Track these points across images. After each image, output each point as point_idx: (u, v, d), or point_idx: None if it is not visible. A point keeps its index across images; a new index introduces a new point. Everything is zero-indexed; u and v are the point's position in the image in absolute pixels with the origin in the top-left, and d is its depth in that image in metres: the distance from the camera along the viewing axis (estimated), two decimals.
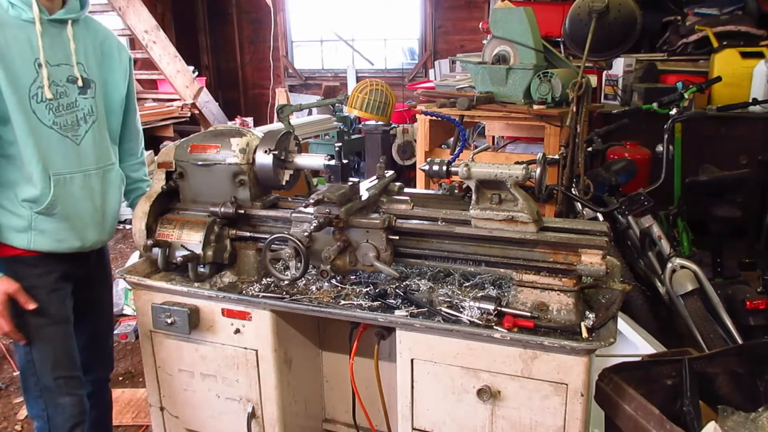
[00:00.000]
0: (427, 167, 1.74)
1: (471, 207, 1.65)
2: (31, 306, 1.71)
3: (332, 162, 1.81)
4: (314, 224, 1.65)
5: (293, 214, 1.77)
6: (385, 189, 1.91)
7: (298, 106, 2.68)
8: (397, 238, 1.74)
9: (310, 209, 1.72)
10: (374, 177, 1.94)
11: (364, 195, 1.79)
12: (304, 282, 1.87)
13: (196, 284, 1.86)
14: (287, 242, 1.67)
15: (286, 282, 1.79)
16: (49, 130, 1.71)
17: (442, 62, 7.07)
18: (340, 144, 1.86)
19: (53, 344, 1.80)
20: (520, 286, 1.62)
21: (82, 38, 1.80)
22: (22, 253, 1.75)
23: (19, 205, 1.72)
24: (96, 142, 1.83)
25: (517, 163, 1.67)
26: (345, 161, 1.81)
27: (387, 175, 1.96)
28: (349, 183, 1.79)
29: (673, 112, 3.16)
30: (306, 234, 1.66)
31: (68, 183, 1.76)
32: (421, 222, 1.74)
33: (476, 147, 2.01)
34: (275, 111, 2.86)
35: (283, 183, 1.92)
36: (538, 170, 1.59)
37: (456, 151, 2.10)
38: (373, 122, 6.02)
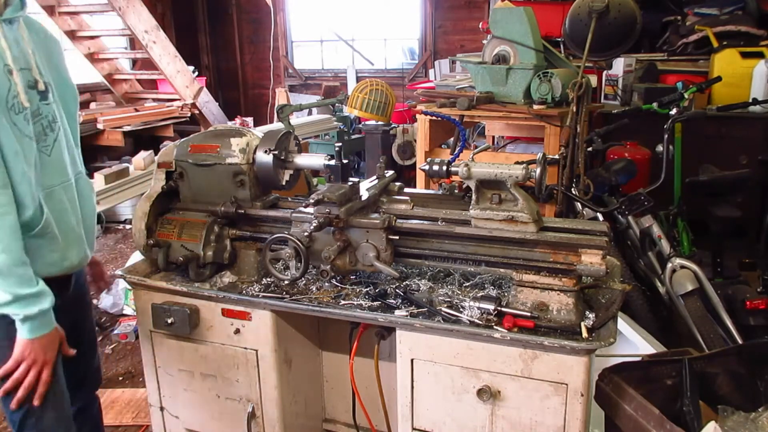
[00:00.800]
0: (427, 167, 1.74)
1: (471, 207, 1.65)
2: (72, 353, 1.62)
3: (332, 162, 1.81)
4: (314, 224, 1.65)
5: (293, 214, 1.77)
6: (385, 189, 1.91)
7: (298, 106, 2.67)
8: (397, 238, 1.74)
9: (310, 209, 1.72)
10: (374, 177, 1.94)
11: (364, 195, 1.79)
12: (304, 282, 1.87)
13: (196, 284, 1.86)
14: (287, 242, 1.67)
15: (286, 282, 1.79)
16: (30, 142, 1.52)
17: (442, 62, 7.07)
18: (340, 144, 1.86)
19: (58, 383, 1.62)
20: (520, 286, 1.62)
21: (30, 40, 1.58)
22: None
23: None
24: (63, 151, 1.65)
25: (517, 163, 1.67)
26: (345, 161, 1.81)
27: (387, 175, 1.96)
28: (349, 183, 1.79)
29: (673, 112, 3.16)
30: (306, 234, 1.66)
31: (51, 199, 1.59)
32: (421, 222, 1.74)
33: (476, 147, 2.01)
34: (275, 111, 2.86)
35: (283, 183, 1.92)
36: (538, 170, 1.59)
37: (456, 151, 2.10)
38: (373, 122, 6.03)
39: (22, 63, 1.53)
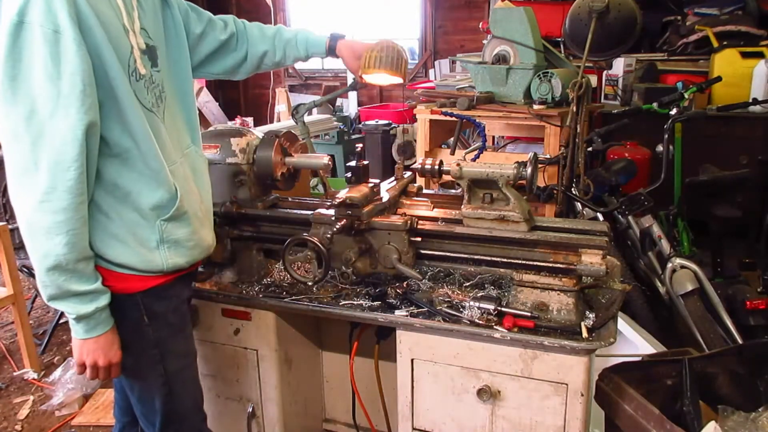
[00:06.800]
0: (419, 166, 1.75)
1: (463, 206, 1.65)
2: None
3: (352, 162, 1.80)
4: (337, 226, 1.61)
5: (313, 215, 1.73)
6: (404, 190, 1.91)
7: (312, 104, 2.62)
8: (419, 240, 1.70)
9: (331, 211, 1.69)
10: (392, 178, 1.93)
11: (385, 197, 1.78)
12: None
13: (196, 284, 1.86)
14: (306, 244, 1.63)
15: (309, 284, 1.74)
16: (150, 114, 1.38)
17: (442, 62, 7.08)
18: (360, 145, 1.84)
19: (194, 386, 1.60)
20: (520, 286, 1.62)
21: None
22: (157, 281, 1.43)
23: (146, 217, 1.39)
24: (172, 122, 1.49)
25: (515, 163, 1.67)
26: (366, 162, 1.80)
27: (405, 176, 1.95)
28: (370, 184, 1.77)
29: (673, 112, 3.16)
30: (328, 236, 1.61)
31: (176, 174, 1.44)
32: (440, 223, 1.73)
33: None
34: (291, 111, 2.83)
35: (283, 183, 1.92)
36: (529, 169, 1.59)
37: (477, 152, 2.11)
38: (372, 122, 6.03)
39: (136, 24, 1.37)
